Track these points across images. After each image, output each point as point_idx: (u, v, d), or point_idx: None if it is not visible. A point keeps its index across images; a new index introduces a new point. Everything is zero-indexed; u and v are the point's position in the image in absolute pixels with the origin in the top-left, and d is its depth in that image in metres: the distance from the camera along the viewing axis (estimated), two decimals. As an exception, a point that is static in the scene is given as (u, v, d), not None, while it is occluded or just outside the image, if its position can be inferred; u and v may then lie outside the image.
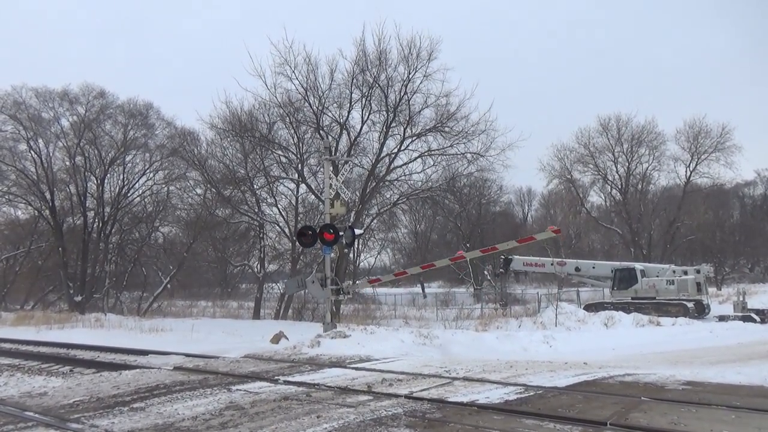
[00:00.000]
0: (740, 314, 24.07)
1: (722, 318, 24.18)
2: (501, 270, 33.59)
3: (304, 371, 9.41)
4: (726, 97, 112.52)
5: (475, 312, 31.42)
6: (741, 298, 26.16)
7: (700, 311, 25.90)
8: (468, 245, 51.87)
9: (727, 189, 57.62)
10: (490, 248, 19.40)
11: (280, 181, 32.12)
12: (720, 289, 42.88)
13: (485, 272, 49.31)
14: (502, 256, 34.77)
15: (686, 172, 46.84)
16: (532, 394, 6.98)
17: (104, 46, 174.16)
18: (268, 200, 33.24)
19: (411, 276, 65.61)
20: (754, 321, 22.81)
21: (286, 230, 32.65)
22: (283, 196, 33.36)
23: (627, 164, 48.23)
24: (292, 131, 29.59)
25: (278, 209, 33.07)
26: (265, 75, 27.48)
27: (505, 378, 8.20)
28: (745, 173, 65.77)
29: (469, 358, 11.15)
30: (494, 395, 6.85)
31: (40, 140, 35.14)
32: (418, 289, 56.18)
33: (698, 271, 28.43)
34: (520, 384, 7.64)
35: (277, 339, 15.75)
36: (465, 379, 8.19)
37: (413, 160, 29.36)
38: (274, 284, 37.42)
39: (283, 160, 30.57)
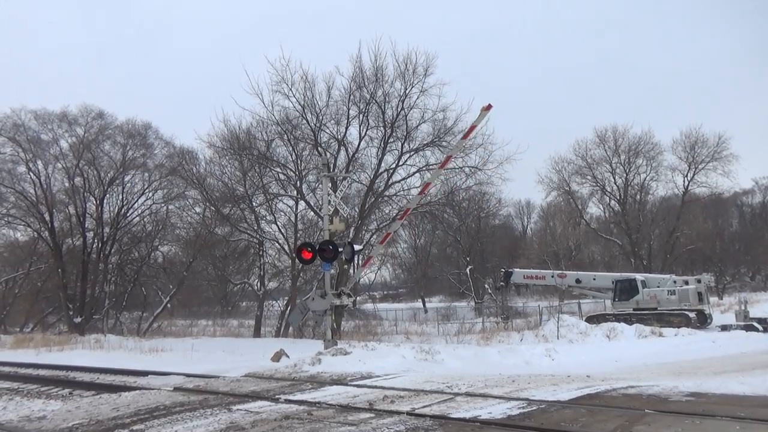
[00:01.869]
0: (742, 323, 23.93)
1: (724, 328, 24.05)
2: (501, 283, 33.50)
3: (305, 389, 9.35)
4: (722, 106, 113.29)
5: (477, 326, 31.27)
6: (743, 307, 26.04)
7: (702, 321, 25.78)
8: (468, 259, 51.88)
9: (726, 198, 57.76)
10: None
11: (279, 198, 32.14)
12: (721, 299, 42.74)
13: (486, 286, 49.23)
14: (502, 269, 34.73)
15: (684, 182, 46.99)
16: (535, 408, 6.93)
17: (103, 68, 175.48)
18: (267, 217, 33.25)
19: (411, 291, 65.56)
20: (757, 330, 22.68)
21: (286, 247, 32.60)
22: (282, 213, 33.37)
23: (625, 175, 48.38)
24: (291, 148, 29.70)
25: (277, 226, 33.07)
26: (263, 93, 27.64)
27: (507, 393, 8.15)
28: (743, 182, 65.85)
29: (471, 373, 11.08)
30: (497, 410, 6.81)
31: (39, 162, 35.23)
32: (419, 304, 55.99)
33: (699, 281, 28.34)
34: (523, 398, 7.59)
35: (277, 357, 15.66)
36: (467, 394, 8.14)
37: (411, 175, 29.44)
38: (274, 302, 37.27)
39: (282, 177, 30.64)
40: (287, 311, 31.63)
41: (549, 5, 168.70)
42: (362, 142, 29.05)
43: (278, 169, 30.35)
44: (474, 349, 16.51)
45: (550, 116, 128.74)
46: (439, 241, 58.93)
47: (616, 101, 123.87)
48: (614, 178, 48.62)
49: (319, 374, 11.37)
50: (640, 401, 7.18)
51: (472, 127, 17.01)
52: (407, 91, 27.48)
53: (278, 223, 32.94)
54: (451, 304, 48.90)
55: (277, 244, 34.03)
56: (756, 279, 60.29)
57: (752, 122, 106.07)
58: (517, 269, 34.66)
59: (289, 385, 9.98)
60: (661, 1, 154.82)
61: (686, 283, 28.04)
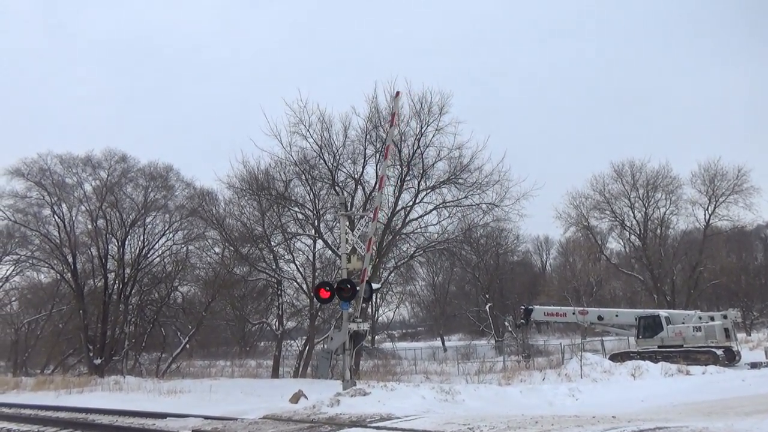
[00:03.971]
0: (773, 361, 23.25)
1: (754, 365, 23.35)
2: (522, 321, 33.03)
3: (324, 432, 9.25)
4: (740, 139, 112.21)
5: (498, 365, 30.68)
6: (773, 344, 25.33)
7: (731, 359, 25.06)
8: (487, 296, 51.33)
9: (749, 231, 56.59)
10: None
11: (297, 237, 32.32)
12: (749, 335, 41.62)
13: (506, 323, 48.54)
14: (522, 306, 34.29)
15: (705, 215, 46.31)
16: (559, 451, 6.76)
17: (126, 113, 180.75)
18: (286, 257, 33.37)
19: (430, 329, 64.78)
20: (789, 367, 21.99)
21: (304, 286, 32.59)
22: (300, 252, 33.46)
23: (644, 209, 47.88)
24: (308, 188, 30.03)
25: (296, 265, 33.13)
26: (281, 134, 28.10)
27: (530, 434, 7.97)
28: (766, 214, 64.85)
29: (492, 414, 10.86)
30: (520, 453, 6.66)
31: (64, 205, 36.00)
32: (438, 342, 55.28)
33: (725, 317, 27.63)
34: (547, 440, 7.42)
35: (296, 398, 15.51)
36: (489, 436, 7.98)
37: (428, 213, 29.49)
38: (292, 341, 37.07)
39: (300, 216, 30.90)
40: (305, 351, 31.41)
41: (557, 43, 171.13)
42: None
43: (296, 209, 30.64)
44: (495, 389, 16.18)
45: (566, 152, 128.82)
46: (457, 279, 58.56)
47: (634, 135, 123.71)
48: (633, 213, 48.16)
49: (338, 416, 11.23)
50: (668, 443, 6.96)
51: (393, 114, 18.36)
52: (423, 130, 27.83)
53: (296, 262, 33.04)
54: (471, 342, 48.25)
55: (295, 283, 34.06)
56: (785, 314, 58.55)
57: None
58: (538, 306, 34.19)
59: (307, 428, 9.88)
60: (670, 36, 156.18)
61: (712, 319, 27.38)
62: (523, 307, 33.89)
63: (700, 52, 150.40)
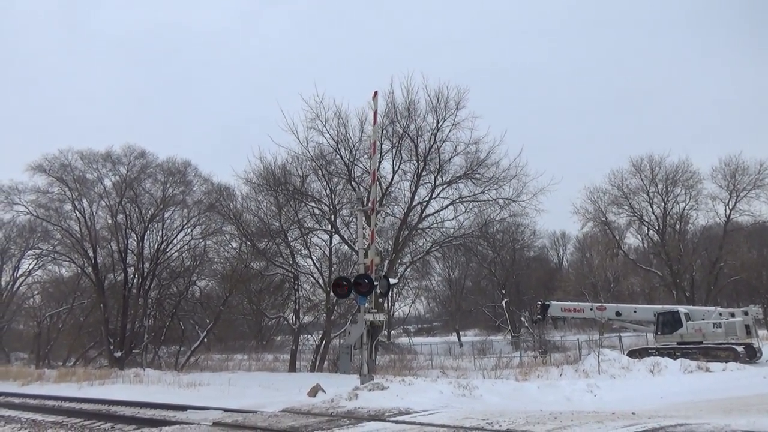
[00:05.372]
0: (796, 358, 22.90)
1: (776, 362, 23.02)
2: (538, 316, 32.86)
3: (343, 425, 9.33)
4: (760, 134, 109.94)
5: (514, 360, 30.60)
6: (795, 341, 24.93)
7: (752, 355, 24.71)
8: (504, 291, 51.15)
9: (771, 226, 55.68)
10: None
11: (314, 232, 32.46)
12: (772, 332, 40.88)
13: (522, 319, 48.35)
14: (539, 302, 34.12)
15: (726, 210, 45.59)
16: (579, 446, 6.76)
17: (144, 110, 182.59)
18: (302, 252, 33.54)
19: (446, 325, 64.76)
20: (812, 365, 21.65)
21: (321, 281, 32.76)
22: (316, 247, 33.61)
23: (663, 204, 47.28)
24: (325, 183, 30.12)
25: (312, 260, 33.29)
26: (298, 130, 28.20)
27: (550, 430, 7.97)
28: (789, 209, 63.50)
29: (510, 409, 10.86)
30: (540, 448, 6.67)
31: (84, 200, 36.58)
32: (453, 338, 55.20)
33: (746, 313, 27.22)
34: (566, 436, 7.42)
35: (314, 392, 15.64)
36: (509, 431, 8.00)
37: (445, 208, 29.44)
38: (309, 335, 37.30)
39: (317, 211, 31.01)
40: (321, 345, 31.60)
41: (575, 38, 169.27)
42: (395, 176, 29.31)
43: (313, 204, 30.75)
44: (512, 384, 16.15)
45: (584, 147, 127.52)
46: (473, 274, 58.45)
47: (652, 129, 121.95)
48: (652, 208, 47.58)
49: (357, 410, 11.31)
50: (689, 440, 6.93)
51: (374, 112, 18.52)
52: (439, 125, 27.76)
53: (313, 257, 33.20)
54: (487, 337, 48.09)
55: (311, 278, 34.23)
56: (808, 310, 57.50)
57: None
58: (554, 302, 33.96)
59: (326, 421, 9.96)
60: (686, 34, 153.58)
61: (732, 315, 26.99)
62: (539, 302, 33.70)
63: (716, 45, 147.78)
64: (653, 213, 47.70)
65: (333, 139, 28.31)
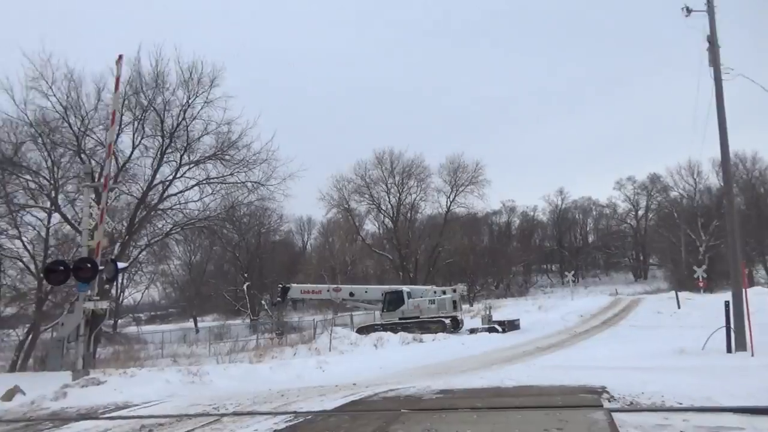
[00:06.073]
0: (486, 326, 27.65)
1: (472, 331, 27.49)
2: (278, 299, 33.53)
3: (44, 429, 8.11)
4: (480, 137, 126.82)
5: (251, 344, 30.65)
6: (487, 312, 30.22)
7: (455, 326, 29.05)
8: (246, 275, 50.77)
9: (480, 217, 66.76)
10: None
11: (27, 209, 27.64)
12: (472, 305, 48.80)
13: (263, 302, 48.73)
14: (280, 285, 34.82)
15: (447, 202, 53.16)
16: (301, 420, 6.98)
17: None
18: (10, 231, 28.26)
19: (184, 311, 61.67)
20: (498, 331, 26.44)
21: (32, 266, 28.08)
22: (30, 227, 28.70)
23: (398, 195, 52.85)
24: (46, 154, 25.87)
25: (22, 242, 28.30)
26: (14, 89, 23.68)
27: (275, 408, 8.08)
28: (493, 203, 76.94)
29: (240, 392, 10.75)
30: (263, 427, 6.70)
31: None
32: (190, 324, 52.91)
33: (454, 290, 31.92)
34: (290, 412, 7.60)
35: (9, 396, 13.21)
36: (234, 414, 7.87)
37: (190, 188, 27.84)
38: (12, 330, 31.67)
39: (33, 185, 26.44)
40: (27, 340, 27.15)
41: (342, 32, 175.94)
42: (136, 151, 26.70)
43: (28, 177, 26.16)
44: (246, 367, 16.09)
45: (335, 136, 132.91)
46: (216, 258, 56.73)
47: (397, 124, 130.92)
48: (389, 197, 52.78)
49: (64, 410, 9.95)
50: (397, 402, 7.70)
51: (117, 78, 16.57)
52: (190, 101, 26.15)
53: (24, 238, 28.26)
54: (225, 322, 47.24)
55: (20, 263, 29.12)
56: (499, 287, 70.34)
57: (503, 151, 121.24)
58: (295, 284, 35.05)
59: (22, 427, 8.54)
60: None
61: (444, 293, 31.36)
62: (281, 285, 34.42)
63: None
64: (390, 202, 52.97)
65: (61, 104, 24.52)
